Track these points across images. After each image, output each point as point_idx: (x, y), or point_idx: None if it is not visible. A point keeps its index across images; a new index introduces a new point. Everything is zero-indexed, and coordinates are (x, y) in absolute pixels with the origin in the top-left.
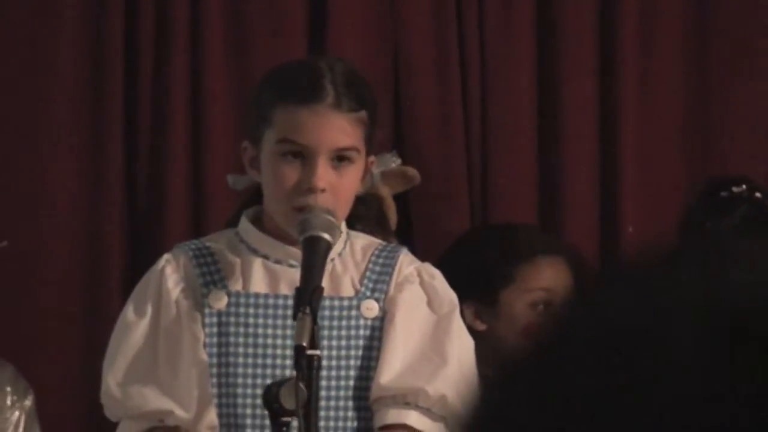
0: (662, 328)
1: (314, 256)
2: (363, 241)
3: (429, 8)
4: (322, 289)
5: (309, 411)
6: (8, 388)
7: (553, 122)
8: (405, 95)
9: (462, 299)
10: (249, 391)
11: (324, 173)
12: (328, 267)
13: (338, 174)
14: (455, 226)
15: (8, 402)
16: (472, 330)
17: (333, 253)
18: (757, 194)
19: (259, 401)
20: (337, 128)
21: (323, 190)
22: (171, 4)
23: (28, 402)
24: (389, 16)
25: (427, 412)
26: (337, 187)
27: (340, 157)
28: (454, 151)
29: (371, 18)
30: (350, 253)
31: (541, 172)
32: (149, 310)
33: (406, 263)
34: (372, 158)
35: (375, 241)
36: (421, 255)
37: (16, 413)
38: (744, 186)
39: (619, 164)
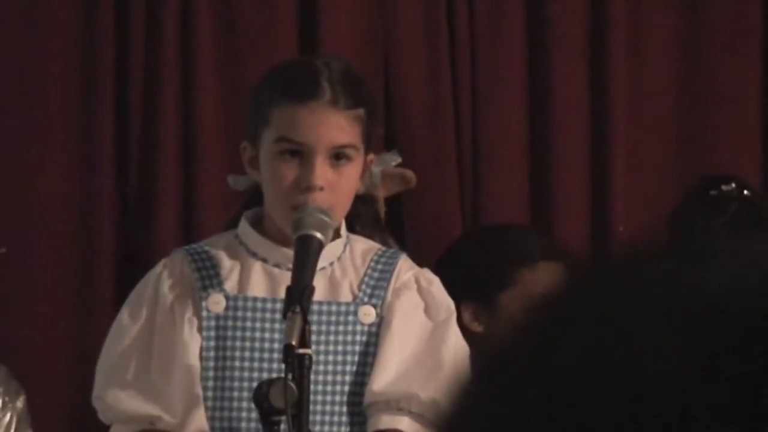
0: (637, 325)
1: (306, 255)
2: (363, 245)
3: (420, 6)
4: (313, 288)
5: (299, 410)
6: (0, 389)
7: (544, 123)
8: (396, 94)
9: (461, 299)
10: (246, 394)
11: (322, 171)
12: (327, 271)
13: (337, 172)
14: (446, 225)
15: (0, 403)
16: (469, 331)
17: (332, 257)
18: (747, 192)
19: None
20: (334, 126)
21: (322, 188)
22: (161, 6)
23: (20, 403)
24: (379, 14)
25: (419, 417)
26: (336, 185)
27: (339, 155)
28: (445, 150)
29: (361, 18)
30: (350, 258)
31: (532, 171)
32: (144, 314)
33: (405, 269)
34: (371, 156)
35: (375, 246)
36: (413, 254)
37: (8, 414)
38: (733, 184)
39: (610, 164)
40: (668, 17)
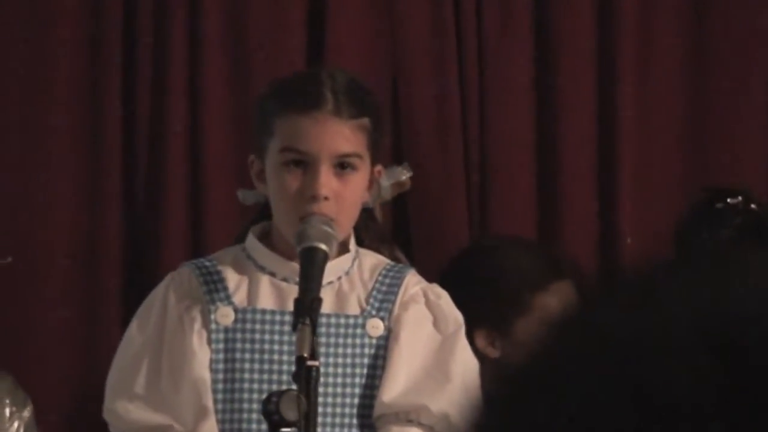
0: (659, 343)
1: (312, 267)
2: (372, 259)
3: (428, 17)
4: (320, 300)
5: (307, 422)
6: (7, 400)
7: (551, 133)
8: (403, 105)
9: (473, 325)
10: (255, 406)
11: (327, 180)
12: (335, 285)
13: (342, 181)
14: (453, 235)
15: (7, 413)
16: (483, 356)
17: (341, 271)
18: (753, 205)
19: None
20: (337, 135)
21: (327, 198)
22: (169, 15)
23: (27, 413)
24: (387, 27)
25: (429, 429)
26: (341, 194)
27: (343, 164)
28: (452, 159)
29: (369, 31)
30: (358, 272)
31: (539, 181)
32: (153, 326)
33: (413, 283)
34: (379, 167)
35: (383, 260)
36: (419, 264)
37: (15, 424)
38: (740, 197)
39: (617, 175)
40: (677, 27)
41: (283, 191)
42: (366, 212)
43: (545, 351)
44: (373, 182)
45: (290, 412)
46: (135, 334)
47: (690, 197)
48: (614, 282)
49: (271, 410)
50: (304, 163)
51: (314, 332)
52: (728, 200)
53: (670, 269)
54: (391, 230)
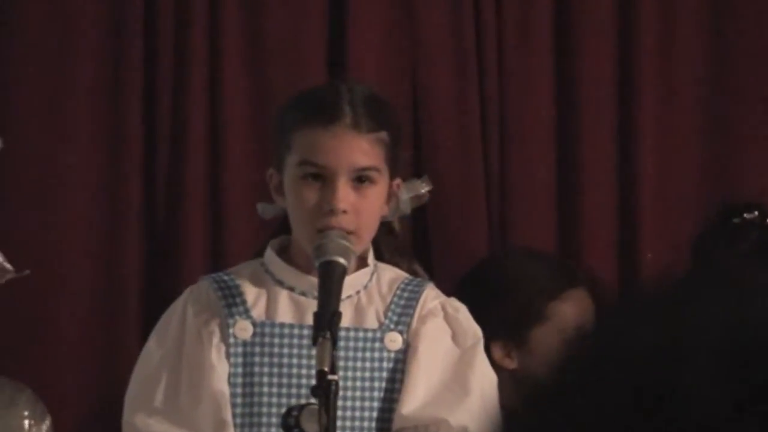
0: (678, 356)
1: (330, 281)
2: (390, 274)
3: (447, 32)
4: (340, 314)
5: None
6: (26, 412)
7: (571, 146)
8: (424, 117)
9: (489, 336)
10: (273, 420)
11: (345, 194)
12: (354, 299)
13: (360, 195)
14: (473, 248)
15: (26, 426)
16: (500, 368)
17: (359, 286)
18: None
19: None
20: (355, 148)
21: (345, 211)
22: (189, 28)
23: (45, 426)
24: (408, 44)
25: None
26: (360, 208)
27: (361, 178)
28: (472, 172)
29: (389, 46)
30: (376, 286)
31: (559, 194)
32: (171, 340)
33: (431, 297)
34: (398, 181)
35: (402, 274)
36: (439, 276)
37: None
38: (756, 212)
39: (638, 187)
40: (697, 39)
41: (302, 205)
42: (384, 226)
43: (566, 365)
44: (391, 196)
45: (311, 426)
46: (154, 348)
47: (707, 212)
48: (635, 296)
49: (291, 424)
50: (322, 177)
51: (334, 346)
52: (745, 215)
53: (690, 284)
54: (411, 243)
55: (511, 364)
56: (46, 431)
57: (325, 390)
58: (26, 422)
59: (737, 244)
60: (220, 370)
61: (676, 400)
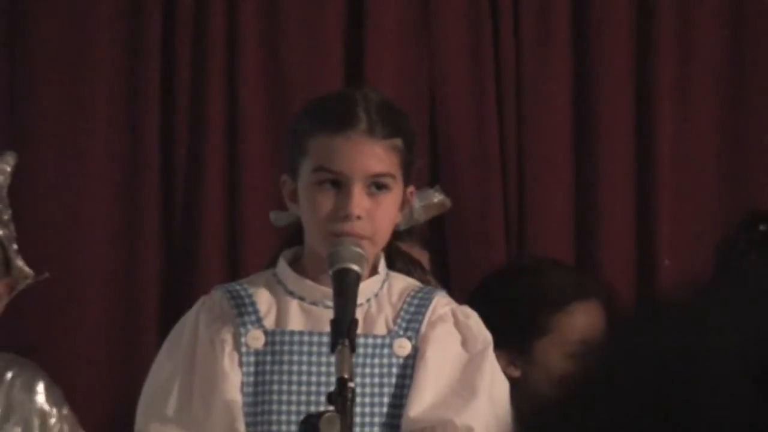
0: (697, 368)
1: (346, 288)
2: (402, 283)
3: (465, 40)
4: (357, 321)
5: None
6: (44, 398)
7: (589, 154)
8: (441, 126)
9: (494, 346)
10: (285, 428)
11: (360, 200)
12: (364, 307)
13: (374, 201)
14: (490, 257)
15: (45, 410)
16: (506, 376)
17: (370, 294)
18: None
19: None
20: (370, 155)
21: (359, 217)
22: (207, 36)
23: (65, 410)
24: (426, 53)
25: None
26: (374, 214)
27: (377, 185)
28: (489, 181)
29: (407, 52)
30: (387, 295)
31: (577, 203)
32: (184, 349)
33: (442, 304)
34: (411, 188)
35: (413, 283)
36: (457, 292)
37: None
38: None
39: (655, 196)
40: (715, 52)
41: (316, 211)
42: (399, 235)
43: (582, 375)
44: (405, 203)
45: None
46: (166, 357)
47: (727, 218)
48: (653, 305)
49: (309, 430)
50: (337, 183)
51: (352, 353)
52: None
53: (711, 293)
54: (428, 255)
55: (514, 372)
56: (65, 415)
57: (344, 397)
58: (45, 407)
59: (763, 251)
60: (232, 379)
61: (694, 416)
